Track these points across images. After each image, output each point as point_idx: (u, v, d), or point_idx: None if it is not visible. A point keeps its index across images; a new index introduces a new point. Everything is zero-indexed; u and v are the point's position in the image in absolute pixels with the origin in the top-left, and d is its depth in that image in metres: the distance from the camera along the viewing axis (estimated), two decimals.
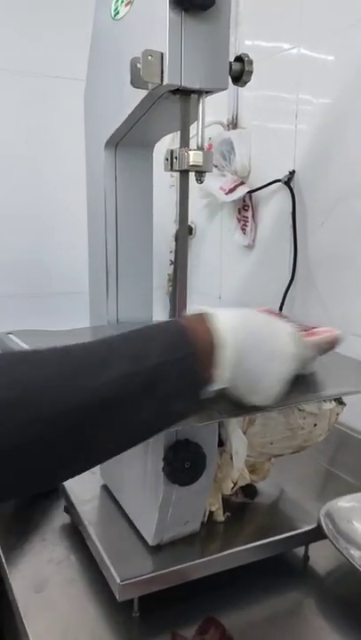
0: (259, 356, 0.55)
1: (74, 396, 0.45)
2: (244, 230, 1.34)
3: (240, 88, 1.33)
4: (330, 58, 1.09)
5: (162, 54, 0.67)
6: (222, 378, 0.54)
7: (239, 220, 1.35)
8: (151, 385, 0.48)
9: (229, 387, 0.56)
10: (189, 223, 1.56)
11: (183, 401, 0.51)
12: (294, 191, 1.17)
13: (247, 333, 0.55)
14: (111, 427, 0.47)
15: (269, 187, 1.23)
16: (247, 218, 1.32)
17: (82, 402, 0.45)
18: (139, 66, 0.67)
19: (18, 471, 0.44)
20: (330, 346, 0.66)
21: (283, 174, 1.18)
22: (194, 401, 0.53)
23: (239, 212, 1.35)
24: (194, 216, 1.57)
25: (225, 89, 0.72)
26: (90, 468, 0.50)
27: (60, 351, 0.49)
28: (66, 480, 0.49)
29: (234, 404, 0.59)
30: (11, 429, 0.42)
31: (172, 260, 1.72)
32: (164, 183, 1.64)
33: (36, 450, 0.43)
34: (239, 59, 0.74)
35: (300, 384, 0.70)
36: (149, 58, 0.67)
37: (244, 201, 1.32)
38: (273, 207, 1.26)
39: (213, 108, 1.30)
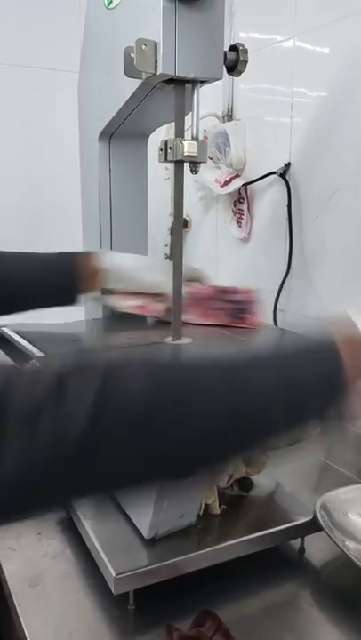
0: None
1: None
2: (239, 223, 1.33)
3: (235, 80, 1.33)
4: (325, 50, 1.08)
5: (156, 43, 0.67)
6: None
7: (235, 213, 1.35)
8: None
9: None
10: (185, 216, 1.55)
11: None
12: (290, 184, 1.16)
13: None
14: None
15: (265, 179, 1.22)
16: (242, 210, 1.31)
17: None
18: (133, 55, 0.67)
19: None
20: None
21: (278, 166, 1.18)
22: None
23: (234, 205, 1.34)
24: (189, 209, 1.56)
25: (220, 79, 0.72)
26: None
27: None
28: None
29: None
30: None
31: (168, 253, 1.72)
32: (158, 176, 1.63)
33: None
34: (234, 48, 0.73)
35: None
36: (143, 47, 0.66)
37: (239, 193, 1.31)
38: (268, 200, 1.25)
39: (208, 100, 1.29)
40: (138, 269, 0.82)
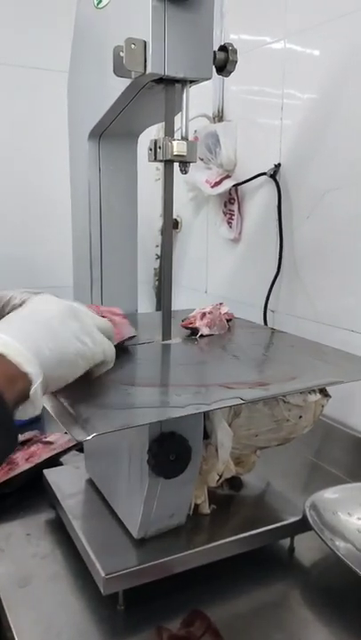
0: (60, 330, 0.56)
1: None
2: (230, 224, 1.33)
3: (225, 81, 1.33)
4: (315, 52, 1.08)
5: (145, 43, 0.67)
6: (36, 374, 0.51)
7: (225, 214, 1.35)
8: None
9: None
10: (175, 217, 1.55)
11: None
12: (280, 184, 1.17)
13: (34, 323, 0.56)
14: None
15: (255, 180, 1.23)
16: (233, 211, 1.32)
17: None
18: (122, 54, 0.67)
19: None
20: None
21: (268, 167, 1.18)
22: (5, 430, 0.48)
23: (225, 206, 1.35)
24: (180, 210, 1.56)
25: (209, 78, 0.72)
26: None
27: None
28: None
29: None
30: None
31: (158, 254, 1.72)
32: (149, 177, 1.63)
33: None
34: (223, 48, 0.73)
35: (285, 376, 0.70)
36: (132, 46, 0.66)
37: (230, 194, 1.32)
38: (259, 200, 1.26)
39: (199, 101, 1.29)
40: None
